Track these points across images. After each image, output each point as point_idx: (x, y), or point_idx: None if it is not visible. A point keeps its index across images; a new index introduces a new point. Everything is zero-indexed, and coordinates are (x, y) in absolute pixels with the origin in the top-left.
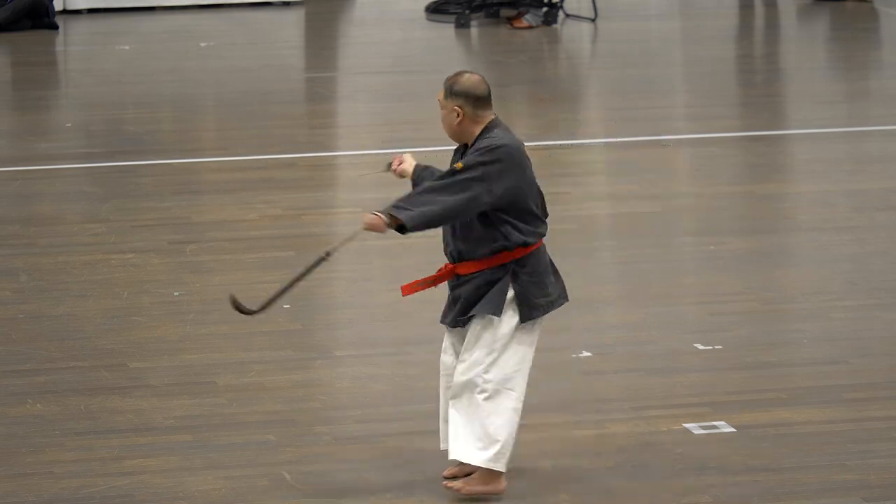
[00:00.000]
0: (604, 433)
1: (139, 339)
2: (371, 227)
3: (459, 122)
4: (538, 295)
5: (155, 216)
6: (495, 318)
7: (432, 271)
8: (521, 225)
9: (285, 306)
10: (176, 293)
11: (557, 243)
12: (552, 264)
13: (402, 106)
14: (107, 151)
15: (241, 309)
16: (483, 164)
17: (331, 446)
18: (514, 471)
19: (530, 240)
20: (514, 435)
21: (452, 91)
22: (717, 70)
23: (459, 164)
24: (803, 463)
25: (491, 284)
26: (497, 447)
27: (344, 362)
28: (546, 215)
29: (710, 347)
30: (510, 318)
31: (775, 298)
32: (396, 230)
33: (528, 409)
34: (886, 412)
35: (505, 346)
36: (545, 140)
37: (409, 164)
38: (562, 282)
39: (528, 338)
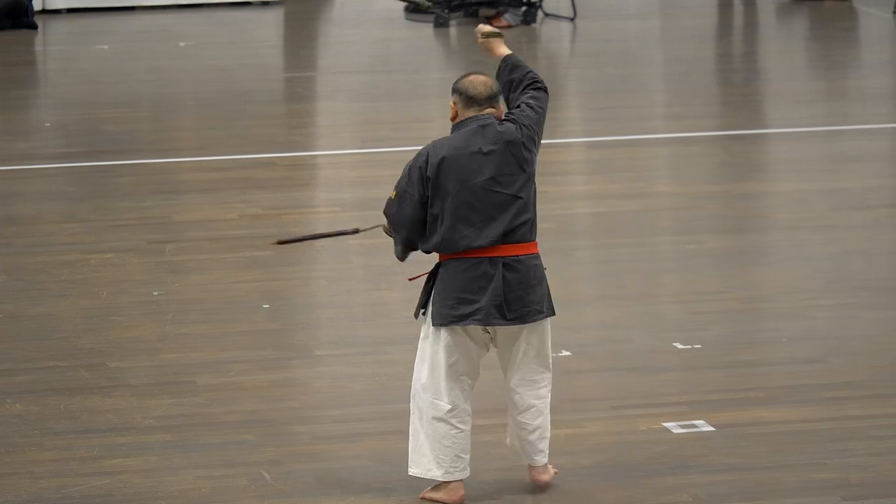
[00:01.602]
0: (583, 432)
1: (118, 338)
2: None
3: (453, 118)
4: (441, 303)
5: (134, 216)
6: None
7: (409, 271)
8: (442, 230)
9: (264, 306)
10: (155, 293)
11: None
12: (499, 283)
13: (380, 105)
14: (85, 151)
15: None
16: (402, 180)
17: (310, 446)
18: (493, 470)
19: (442, 248)
20: (443, 446)
21: (453, 86)
22: (696, 69)
23: (393, 193)
24: (782, 462)
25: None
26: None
27: (323, 362)
28: (498, 230)
29: (689, 346)
30: (427, 321)
31: (754, 297)
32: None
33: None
34: (865, 411)
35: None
36: None
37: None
38: (486, 302)
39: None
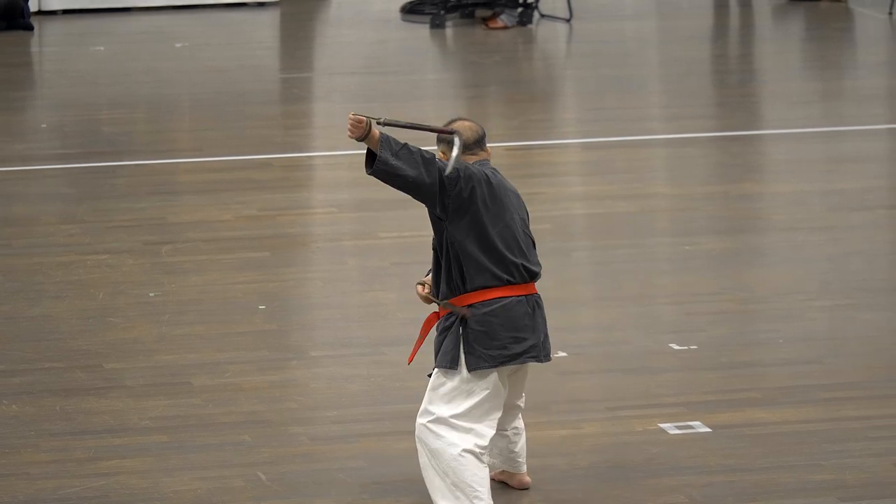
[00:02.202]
0: (579, 433)
1: (115, 339)
2: (354, 126)
3: None
4: (487, 346)
5: (130, 217)
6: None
7: (404, 271)
8: (476, 266)
9: (260, 307)
10: (151, 294)
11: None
12: (534, 317)
13: (376, 106)
14: (82, 152)
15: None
16: (464, 169)
17: (306, 447)
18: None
19: (486, 284)
20: (477, 477)
21: (438, 139)
22: (692, 70)
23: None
24: (779, 463)
25: (445, 331)
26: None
27: (319, 363)
28: (529, 262)
29: (686, 347)
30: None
31: (750, 298)
32: (368, 150)
33: None
34: (861, 412)
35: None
36: (521, 140)
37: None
38: (538, 337)
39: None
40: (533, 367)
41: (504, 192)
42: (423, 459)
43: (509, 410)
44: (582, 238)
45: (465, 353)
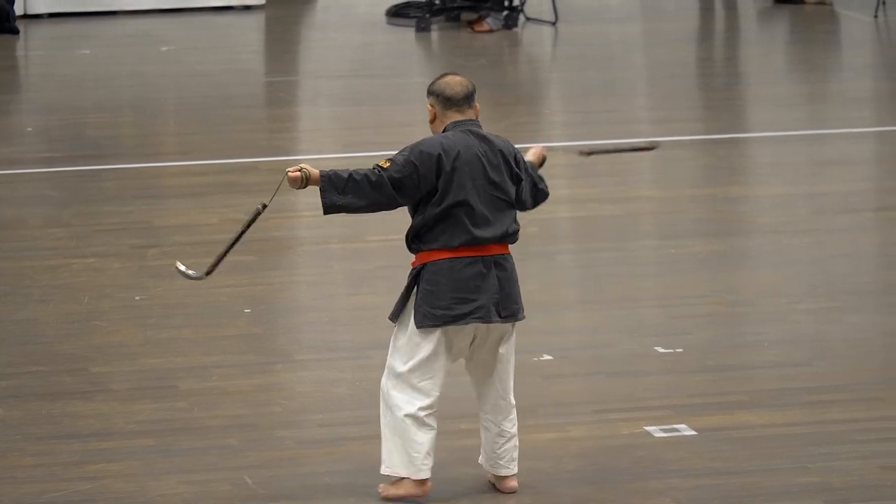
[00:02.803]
0: (565, 437)
1: (100, 343)
2: (292, 182)
3: (432, 121)
4: (433, 304)
5: (116, 220)
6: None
7: (391, 275)
8: (433, 229)
9: (246, 310)
10: (137, 297)
11: (518, 246)
12: (486, 278)
13: (362, 110)
14: (68, 156)
15: (187, 276)
16: (405, 161)
17: (293, 450)
18: (475, 475)
19: (434, 246)
20: (416, 443)
21: (428, 89)
22: (677, 73)
23: (384, 162)
24: (765, 466)
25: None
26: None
27: (305, 366)
28: (491, 229)
29: (671, 350)
30: (409, 323)
31: (736, 301)
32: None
33: None
34: (847, 414)
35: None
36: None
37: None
38: (488, 299)
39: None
40: (518, 369)
41: (462, 162)
42: (381, 414)
43: (493, 402)
44: (567, 241)
45: (414, 309)
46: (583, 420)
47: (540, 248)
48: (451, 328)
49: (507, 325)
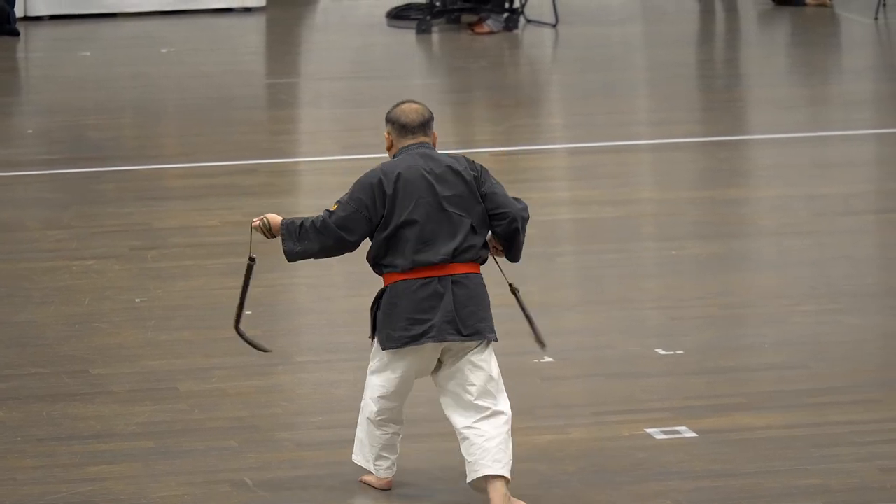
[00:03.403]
0: (565, 438)
1: (101, 345)
2: (257, 231)
3: (388, 148)
4: (392, 327)
5: (116, 222)
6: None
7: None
8: (385, 254)
9: (247, 312)
10: (137, 299)
11: None
12: (443, 298)
13: (363, 112)
14: (68, 158)
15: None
16: (349, 199)
17: (293, 452)
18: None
19: (390, 269)
20: (372, 445)
21: (385, 116)
22: (678, 75)
23: (334, 205)
24: (765, 468)
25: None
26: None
27: (305, 368)
28: (440, 250)
29: (672, 352)
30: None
31: (736, 303)
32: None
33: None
34: (847, 416)
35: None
36: (507, 146)
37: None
38: (443, 318)
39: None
40: (517, 371)
41: (404, 183)
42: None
43: (464, 408)
44: (568, 243)
45: (378, 330)
46: (583, 422)
47: (540, 249)
48: (411, 348)
49: (472, 344)
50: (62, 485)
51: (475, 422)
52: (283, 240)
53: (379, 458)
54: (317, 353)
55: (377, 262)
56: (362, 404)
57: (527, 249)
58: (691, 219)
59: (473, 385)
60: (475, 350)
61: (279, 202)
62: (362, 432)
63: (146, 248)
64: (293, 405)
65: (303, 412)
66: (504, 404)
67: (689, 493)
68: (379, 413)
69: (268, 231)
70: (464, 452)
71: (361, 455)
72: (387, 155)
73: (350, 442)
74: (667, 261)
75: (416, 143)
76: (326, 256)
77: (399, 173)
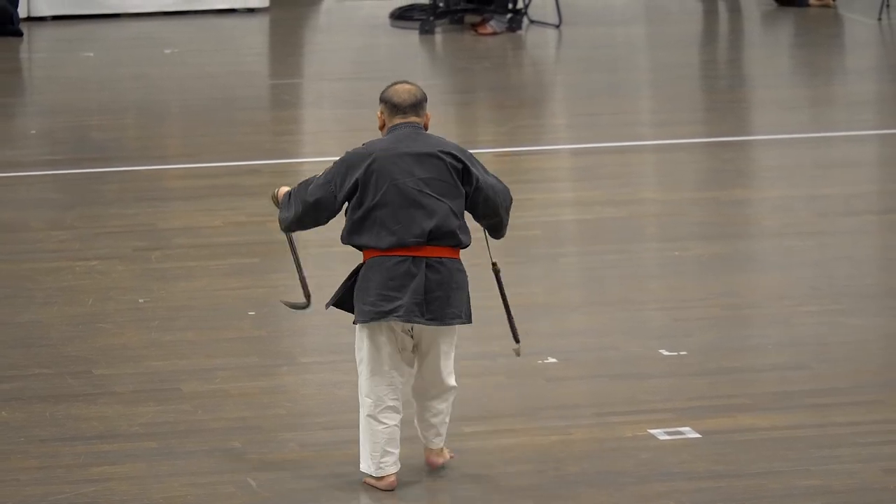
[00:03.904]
0: (568, 439)
1: (104, 345)
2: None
3: (381, 127)
4: (364, 300)
5: (120, 223)
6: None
7: None
8: (360, 232)
9: (250, 313)
10: (141, 300)
11: (522, 249)
12: (415, 278)
13: (366, 112)
14: (71, 158)
15: (294, 305)
16: (329, 169)
17: (296, 453)
18: (478, 477)
19: (365, 248)
20: (373, 443)
21: (379, 97)
22: (681, 75)
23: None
24: (767, 468)
25: None
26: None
27: (309, 369)
28: (417, 230)
29: (675, 353)
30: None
31: (739, 304)
32: None
33: (493, 415)
34: (849, 417)
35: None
36: (510, 146)
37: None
38: (412, 299)
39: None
40: (521, 372)
41: (379, 164)
42: None
43: (431, 386)
44: (571, 244)
45: (341, 297)
46: (586, 422)
47: (543, 250)
48: (380, 323)
49: (433, 328)
50: (65, 485)
51: (429, 400)
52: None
53: (385, 454)
54: (321, 354)
55: (352, 242)
56: (360, 406)
57: (530, 250)
58: (694, 219)
59: (436, 369)
60: (443, 335)
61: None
62: (364, 435)
63: (150, 249)
64: (297, 406)
65: (306, 413)
66: (454, 380)
67: (693, 493)
68: (376, 403)
69: (276, 202)
70: (416, 421)
71: (370, 460)
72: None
73: (353, 442)
74: (670, 262)
75: (405, 123)
76: (304, 226)
77: (375, 156)
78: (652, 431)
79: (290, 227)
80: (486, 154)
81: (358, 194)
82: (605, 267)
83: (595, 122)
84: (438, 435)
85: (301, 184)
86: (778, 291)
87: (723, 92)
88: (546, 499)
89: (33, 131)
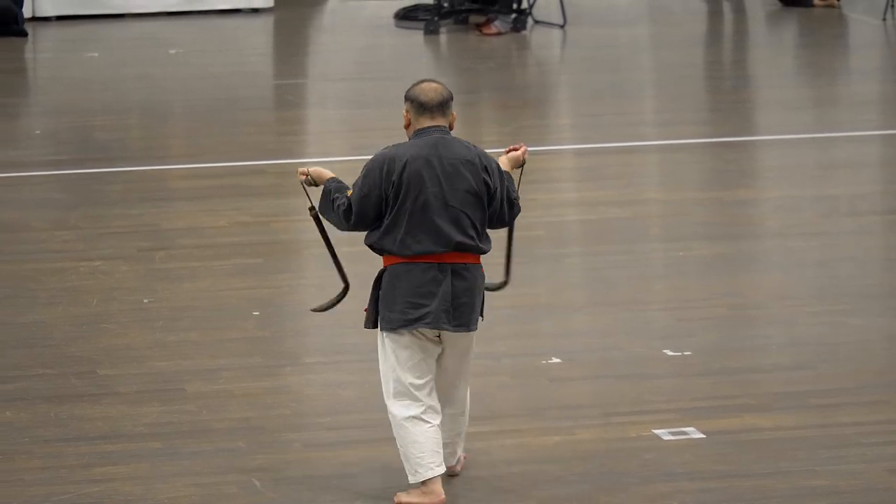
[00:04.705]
0: (573, 439)
1: (108, 346)
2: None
3: (406, 126)
4: (390, 308)
5: (124, 223)
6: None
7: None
8: (385, 238)
9: (255, 313)
10: (145, 300)
11: (526, 249)
12: (441, 285)
13: (370, 112)
14: (76, 158)
15: (327, 306)
16: (362, 181)
17: (300, 453)
18: (483, 478)
19: (388, 253)
20: (416, 444)
21: (405, 94)
22: (685, 76)
23: (349, 192)
24: (772, 469)
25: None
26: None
27: (313, 369)
28: (440, 240)
29: (679, 353)
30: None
31: (743, 304)
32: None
33: (498, 415)
34: (854, 418)
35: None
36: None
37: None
38: (440, 305)
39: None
40: (525, 372)
41: (410, 172)
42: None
43: (448, 394)
44: (575, 244)
45: (378, 313)
46: (590, 423)
47: (547, 250)
48: (408, 330)
49: (458, 334)
50: (69, 485)
51: (455, 412)
52: (321, 195)
53: (433, 453)
54: (325, 354)
55: (375, 245)
56: (391, 413)
57: (534, 251)
58: (698, 220)
59: (456, 376)
60: (465, 341)
61: (286, 203)
62: (400, 444)
63: (154, 249)
64: (301, 406)
65: (311, 413)
66: (467, 398)
67: (697, 493)
68: (412, 405)
69: (313, 183)
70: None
71: (407, 469)
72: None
73: (357, 442)
74: (674, 262)
75: (433, 127)
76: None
77: (406, 161)
78: (656, 432)
79: (347, 227)
80: (491, 154)
81: (390, 198)
82: (609, 267)
83: (599, 123)
84: (454, 454)
85: (338, 196)
86: (781, 292)
87: (727, 92)
88: (550, 499)
89: (38, 131)
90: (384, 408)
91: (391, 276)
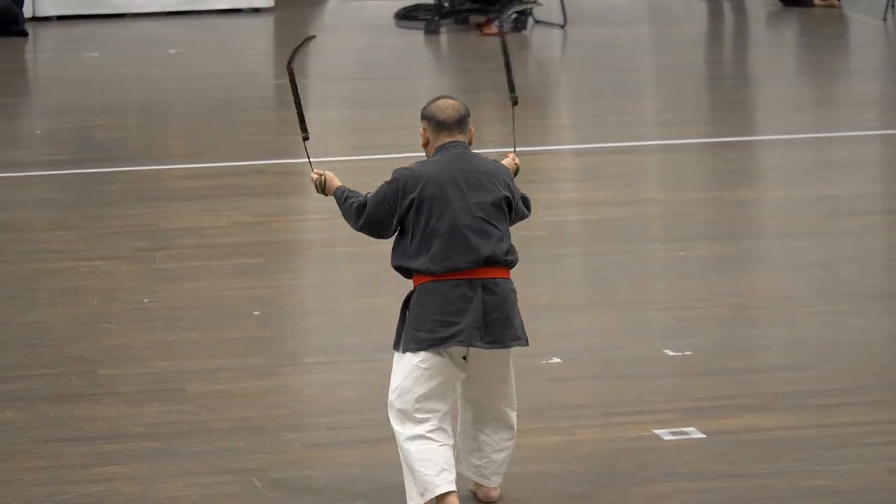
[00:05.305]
0: (573, 439)
1: (108, 346)
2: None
3: (424, 144)
4: (418, 328)
5: (124, 223)
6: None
7: (398, 278)
8: (413, 256)
9: (255, 313)
10: (145, 300)
11: (526, 249)
12: (472, 301)
13: (371, 112)
14: (76, 158)
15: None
16: (383, 188)
17: (301, 453)
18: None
19: (417, 272)
20: (423, 462)
21: (421, 113)
22: (686, 76)
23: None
24: (773, 469)
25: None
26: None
27: (313, 369)
28: (471, 255)
29: (680, 353)
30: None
31: (744, 304)
32: None
33: None
34: (854, 418)
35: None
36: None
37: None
38: (471, 322)
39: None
40: (525, 372)
41: (433, 188)
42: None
43: (490, 413)
44: (575, 244)
45: (403, 333)
46: (591, 423)
47: (548, 250)
48: (435, 350)
49: (500, 351)
50: (69, 485)
51: (491, 431)
52: (335, 198)
53: (443, 471)
54: (325, 354)
55: (403, 266)
56: (395, 432)
57: (534, 251)
58: (699, 220)
59: (496, 394)
60: (500, 357)
61: (287, 203)
62: (405, 464)
63: (154, 249)
64: (301, 406)
65: (311, 413)
66: (514, 418)
67: (697, 493)
68: (423, 422)
69: (321, 189)
70: (468, 452)
71: (411, 489)
72: (423, 153)
73: (357, 443)
74: (674, 262)
75: (453, 142)
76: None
77: (428, 179)
78: (656, 432)
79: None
80: (491, 154)
81: (412, 217)
82: (610, 267)
83: (600, 123)
84: (497, 474)
85: (355, 198)
86: (782, 292)
87: (727, 92)
88: (550, 499)
89: (38, 131)
90: (384, 407)
91: (419, 295)
